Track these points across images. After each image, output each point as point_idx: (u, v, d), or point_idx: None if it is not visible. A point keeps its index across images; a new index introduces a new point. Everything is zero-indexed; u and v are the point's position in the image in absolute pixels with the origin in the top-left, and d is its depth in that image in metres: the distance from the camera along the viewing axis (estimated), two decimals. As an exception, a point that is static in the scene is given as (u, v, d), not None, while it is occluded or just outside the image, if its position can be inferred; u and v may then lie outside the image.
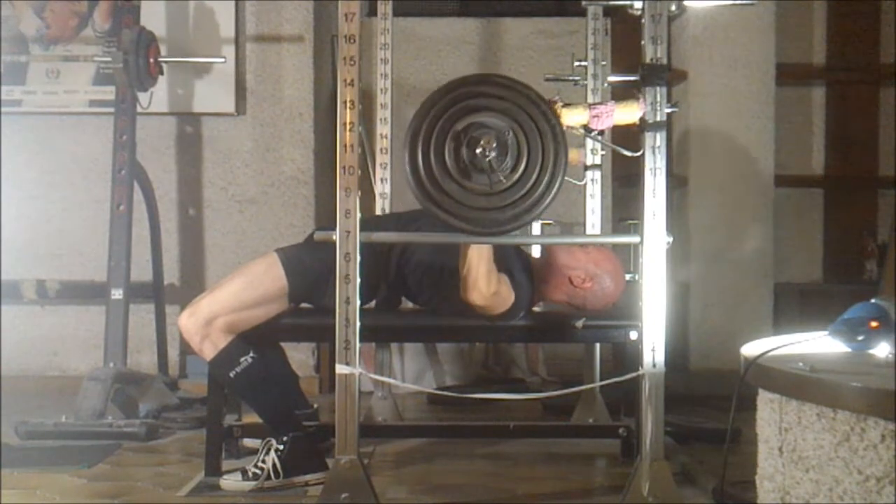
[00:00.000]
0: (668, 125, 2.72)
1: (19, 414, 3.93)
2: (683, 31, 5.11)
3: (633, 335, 2.86)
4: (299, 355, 4.66)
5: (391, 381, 3.97)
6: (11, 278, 4.74)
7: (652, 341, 2.65)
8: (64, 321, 4.94)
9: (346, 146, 2.63)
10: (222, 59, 4.77)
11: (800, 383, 1.93)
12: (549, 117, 2.54)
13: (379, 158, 4.12)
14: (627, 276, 3.34)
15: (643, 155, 2.64)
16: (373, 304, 3.22)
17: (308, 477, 3.05)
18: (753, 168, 5.08)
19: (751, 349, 2.21)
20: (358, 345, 2.63)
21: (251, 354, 3.07)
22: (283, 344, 3.43)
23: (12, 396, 4.38)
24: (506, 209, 2.56)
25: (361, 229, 2.64)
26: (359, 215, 2.64)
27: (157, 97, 4.52)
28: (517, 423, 3.67)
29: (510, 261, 3.11)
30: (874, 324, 2.15)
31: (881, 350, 2.14)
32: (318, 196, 5.02)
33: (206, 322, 3.04)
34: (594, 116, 2.68)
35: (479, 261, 2.89)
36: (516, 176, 2.54)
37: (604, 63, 4.06)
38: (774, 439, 2.04)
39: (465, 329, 3.28)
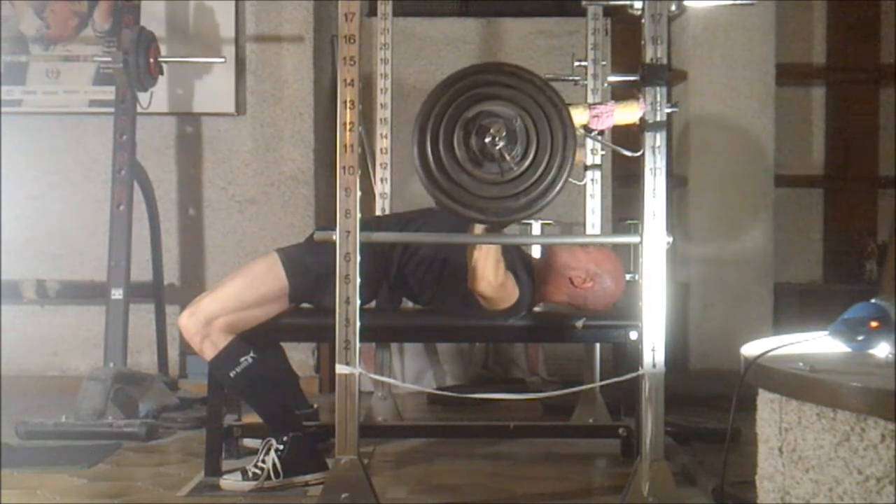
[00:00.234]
0: (668, 125, 2.72)
1: (19, 414, 3.93)
2: (683, 31, 5.11)
3: (633, 335, 2.86)
4: (299, 355, 4.66)
5: (391, 381, 3.97)
6: (11, 278, 4.74)
7: (652, 341, 2.65)
8: (64, 321, 4.94)
9: (346, 146, 2.63)
10: (222, 59, 4.77)
11: (800, 383, 1.93)
12: (555, 102, 2.54)
13: (379, 158, 4.12)
14: (627, 276, 3.34)
15: (643, 155, 2.64)
16: (373, 304, 3.22)
17: (308, 477, 3.05)
18: (753, 168, 5.09)
19: (751, 349, 2.21)
20: (358, 345, 2.63)
21: (251, 354, 3.07)
22: (283, 344, 3.43)
23: (12, 396, 4.38)
24: (519, 196, 2.55)
25: (361, 229, 2.64)
26: (359, 215, 2.63)
27: (157, 97, 4.52)
28: (517, 423, 3.67)
29: (513, 260, 3.11)
30: (874, 324, 2.15)
31: (881, 350, 2.14)
32: (318, 196, 5.02)
33: (207, 322, 3.04)
34: (594, 116, 2.68)
35: (487, 250, 2.88)
36: (527, 163, 2.53)
37: (604, 63, 4.06)
38: (774, 439, 2.04)
39: (465, 329, 3.28)
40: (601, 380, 3.74)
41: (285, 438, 3.04)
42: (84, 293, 4.79)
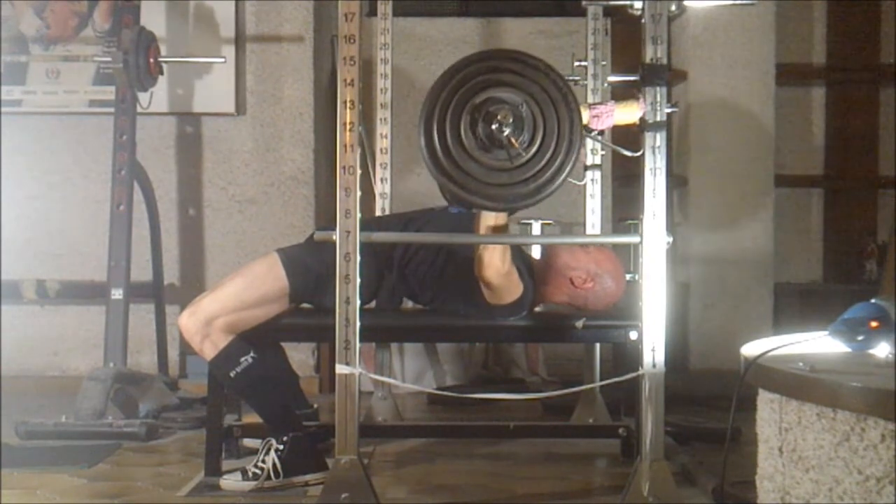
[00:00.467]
0: (668, 125, 2.72)
1: (19, 414, 3.93)
2: (683, 31, 5.11)
3: (633, 335, 2.86)
4: (299, 355, 4.66)
5: (391, 381, 3.97)
6: (11, 278, 4.74)
7: (652, 341, 2.65)
8: (64, 321, 4.94)
9: (346, 146, 2.63)
10: (222, 59, 4.77)
11: (800, 383, 1.93)
12: (559, 86, 2.53)
13: (379, 158, 4.12)
14: (627, 276, 3.34)
15: (643, 155, 2.64)
16: (373, 304, 3.22)
17: (308, 477, 3.05)
18: (753, 168, 5.09)
19: (751, 349, 2.21)
20: (358, 345, 2.63)
21: (251, 354, 3.07)
22: (283, 344, 3.43)
23: (12, 396, 4.38)
24: (528, 182, 2.54)
25: (361, 229, 2.64)
26: (359, 215, 2.63)
27: (157, 97, 4.52)
28: (517, 423, 3.67)
29: (515, 259, 3.11)
30: (874, 324, 2.15)
31: (881, 350, 2.14)
32: (318, 196, 5.02)
33: (207, 322, 3.04)
34: (594, 116, 2.68)
35: (496, 222, 2.84)
36: (535, 148, 2.53)
37: (604, 63, 4.06)
38: (774, 439, 2.04)
39: (465, 329, 3.28)
40: (601, 380, 3.74)
41: (285, 438, 3.04)
42: (84, 293, 4.79)
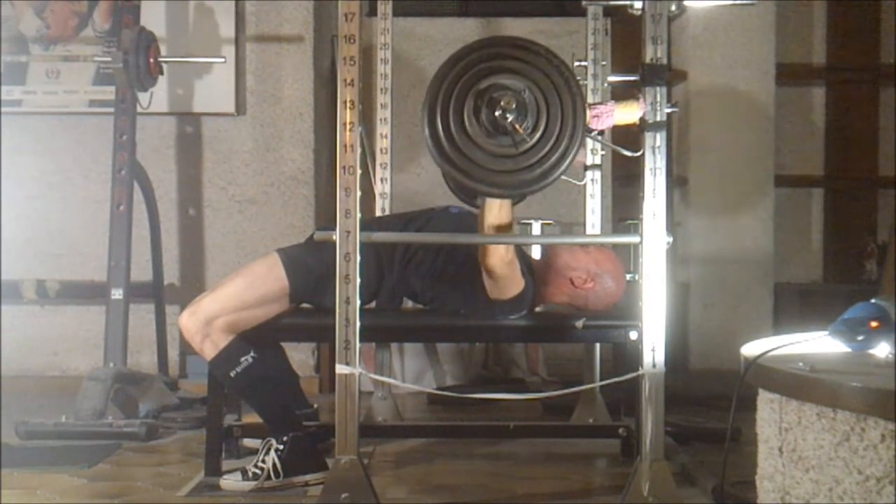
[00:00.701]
0: (668, 125, 2.72)
1: (19, 414, 3.93)
2: (683, 31, 5.11)
3: (633, 335, 2.86)
4: (299, 355, 4.66)
5: (391, 381, 3.97)
6: (11, 278, 4.74)
7: (652, 341, 2.65)
8: (64, 321, 4.94)
9: (346, 146, 2.63)
10: (222, 59, 4.77)
11: (800, 383, 1.93)
12: (562, 71, 2.53)
13: (379, 158, 4.12)
14: (627, 276, 3.34)
15: (643, 155, 2.64)
16: (373, 304, 3.22)
17: (308, 477, 3.05)
18: (753, 168, 5.09)
19: (751, 349, 2.21)
20: (358, 345, 2.63)
21: (251, 354, 3.07)
22: (283, 344, 3.43)
23: (12, 396, 4.38)
24: (533, 168, 2.53)
25: (362, 229, 2.64)
26: (359, 215, 2.63)
27: (157, 97, 4.52)
28: (517, 423, 3.67)
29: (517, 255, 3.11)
30: (874, 324, 2.15)
31: (881, 350, 2.14)
32: (318, 196, 5.02)
33: (207, 322, 3.04)
34: (594, 116, 2.68)
35: (499, 222, 2.85)
36: (539, 133, 2.52)
37: (604, 63, 4.06)
38: (774, 439, 2.04)
39: (465, 329, 3.28)
40: (601, 380, 3.74)
41: (285, 438, 3.04)
42: (84, 293, 4.80)
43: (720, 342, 4.84)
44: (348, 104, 2.63)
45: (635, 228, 2.71)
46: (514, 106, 2.48)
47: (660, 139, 2.64)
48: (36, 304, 4.88)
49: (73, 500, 2.93)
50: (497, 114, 2.49)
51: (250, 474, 3.02)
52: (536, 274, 3.18)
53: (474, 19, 5.46)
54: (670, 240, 2.67)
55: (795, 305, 5.29)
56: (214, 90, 4.94)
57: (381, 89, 4.10)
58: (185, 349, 4.72)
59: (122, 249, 4.21)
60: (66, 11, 4.96)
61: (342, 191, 2.63)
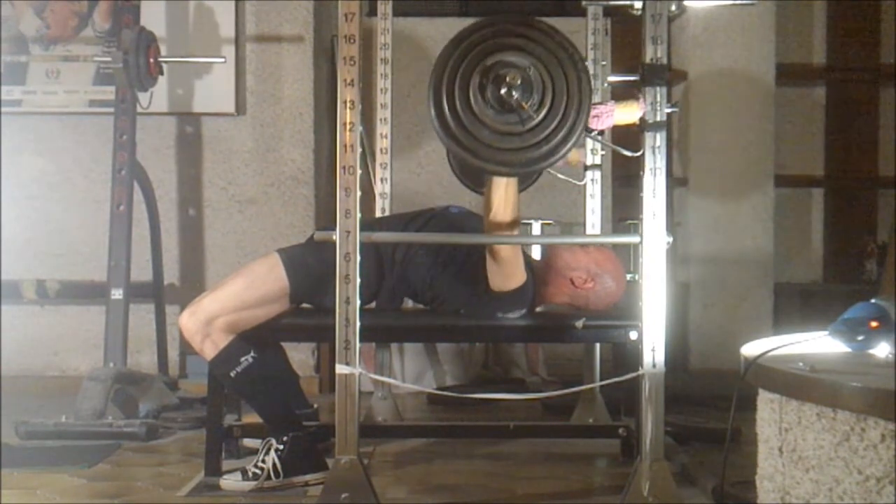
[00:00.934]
0: (668, 125, 2.72)
1: (19, 414, 3.92)
2: (683, 31, 5.11)
3: (633, 335, 2.86)
4: (299, 355, 4.66)
5: (391, 381, 3.97)
6: (11, 278, 4.74)
7: (652, 341, 2.65)
8: (64, 321, 4.94)
9: (346, 146, 2.63)
10: (222, 59, 4.76)
11: (800, 383, 1.93)
12: (565, 47, 2.53)
13: (379, 158, 4.12)
14: (628, 276, 3.34)
15: (643, 155, 2.64)
16: (373, 304, 3.22)
17: (308, 477, 3.05)
18: (753, 168, 5.09)
19: (751, 349, 2.21)
20: (358, 345, 2.63)
21: (252, 354, 3.07)
22: (283, 344, 3.43)
23: (12, 396, 4.38)
24: (540, 144, 2.52)
25: (362, 230, 2.64)
26: (359, 215, 2.63)
27: (157, 97, 4.52)
28: (517, 423, 3.68)
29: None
30: (874, 324, 2.15)
31: (881, 350, 2.14)
32: (318, 196, 5.02)
33: (207, 321, 3.04)
34: (594, 116, 2.68)
35: (506, 198, 2.81)
36: (545, 110, 2.51)
37: (604, 63, 4.06)
38: (774, 439, 2.04)
39: (465, 329, 3.28)
40: (601, 380, 3.74)
41: (285, 438, 3.04)
42: (84, 293, 4.79)
43: (720, 342, 4.85)
44: (348, 104, 2.63)
45: (635, 228, 2.71)
46: (519, 82, 2.47)
47: (660, 139, 2.64)
48: (36, 304, 4.88)
49: (73, 500, 2.93)
50: (503, 91, 2.47)
51: (250, 474, 3.03)
52: (536, 274, 3.18)
53: (474, 19, 5.44)
54: (670, 240, 2.67)
55: (795, 305, 5.29)
56: (214, 90, 4.93)
57: (381, 89, 4.10)
58: (185, 349, 4.71)
59: (122, 249, 4.21)
60: (66, 11, 4.95)
61: (342, 191, 2.63)
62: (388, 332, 3.40)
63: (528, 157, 2.53)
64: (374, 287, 3.15)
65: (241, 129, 4.98)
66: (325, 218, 4.90)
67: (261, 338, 3.12)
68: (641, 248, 2.65)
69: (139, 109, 4.36)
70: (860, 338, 2.17)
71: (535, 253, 3.44)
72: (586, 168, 3.96)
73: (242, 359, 3.05)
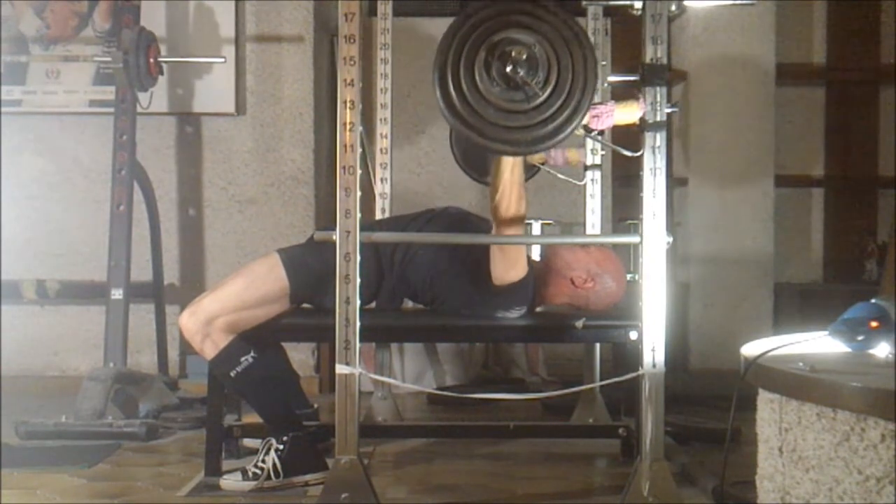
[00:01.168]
0: (668, 125, 2.72)
1: (19, 414, 3.93)
2: (683, 31, 5.11)
3: (633, 335, 2.86)
4: (299, 355, 4.66)
5: (391, 381, 3.97)
6: (11, 278, 4.74)
7: (652, 341, 2.65)
8: (64, 321, 4.94)
9: (346, 146, 2.63)
10: (222, 59, 4.77)
11: (800, 383, 1.93)
12: (570, 25, 2.51)
13: (379, 158, 4.12)
14: (628, 276, 3.34)
15: (643, 155, 2.64)
16: (373, 305, 3.22)
17: (308, 477, 3.05)
18: (753, 168, 5.09)
19: (751, 349, 2.21)
20: (358, 345, 2.63)
21: (252, 354, 3.07)
22: (283, 344, 3.42)
23: (12, 396, 4.38)
24: (546, 123, 2.50)
25: (361, 231, 2.64)
26: (359, 215, 2.63)
27: (157, 97, 4.52)
28: (517, 423, 3.67)
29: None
30: (874, 324, 2.15)
31: (881, 350, 2.14)
32: (318, 196, 5.02)
33: (207, 321, 3.04)
34: (594, 116, 2.68)
35: (511, 182, 2.83)
36: (550, 88, 2.49)
37: (604, 63, 4.06)
38: (774, 439, 2.04)
39: (465, 329, 3.28)
40: (601, 380, 3.74)
41: (285, 438, 3.05)
42: (84, 293, 4.79)
43: (720, 342, 4.84)
44: (348, 104, 2.63)
45: (635, 228, 2.72)
46: (524, 57, 2.46)
47: (660, 139, 2.64)
48: (36, 304, 4.88)
49: (73, 500, 2.93)
50: (508, 68, 2.46)
51: (250, 474, 3.03)
52: (537, 274, 3.18)
53: (474, 19, 5.45)
54: (670, 240, 2.67)
55: (795, 305, 5.29)
56: (214, 90, 4.93)
57: (381, 89, 4.10)
58: (185, 349, 4.71)
59: (122, 249, 4.21)
60: (66, 11, 4.95)
61: (342, 191, 2.63)
62: (388, 332, 3.40)
63: (533, 136, 2.51)
64: (373, 287, 3.15)
65: (241, 129, 4.98)
66: (325, 218, 4.90)
67: (261, 338, 3.13)
68: (641, 248, 2.66)
69: (139, 109, 4.36)
70: (860, 338, 2.17)
71: (535, 253, 3.44)
72: (586, 168, 3.96)
73: (242, 359, 3.06)
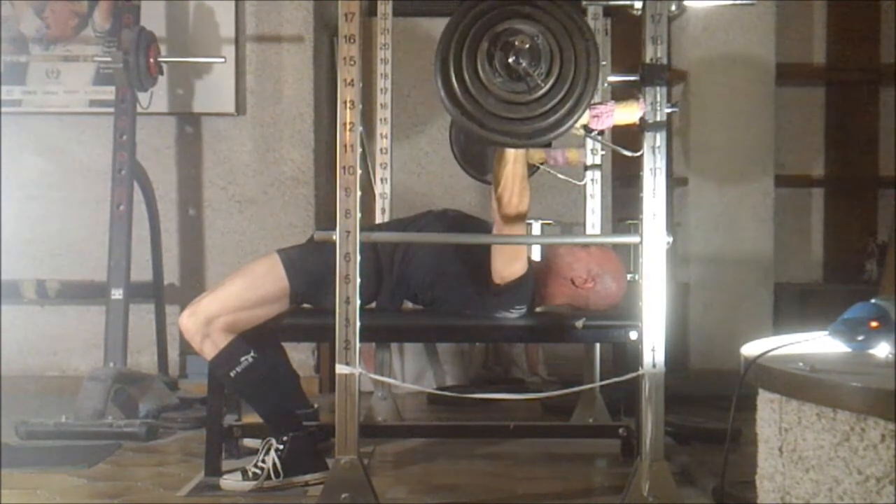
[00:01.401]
0: (668, 125, 2.72)
1: (19, 414, 3.93)
2: (683, 31, 5.11)
3: (633, 335, 2.86)
4: (299, 355, 4.66)
5: (391, 381, 3.97)
6: (11, 278, 4.74)
7: (652, 341, 2.65)
8: (64, 321, 4.94)
9: (346, 146, 2.63)
10: (222, 59, 4.77)
11: (800, 383, 1.93)
12: (574, 17, 2.51)
13: (379, 158, 4.12)
14: (628, 276, 3.34)
15: (643, 155, 2.64)
16: (373, 305, 3.22)
17: (308, 477, 3.05)
18: (753, 168, 5.09)
19: (751, 349, 2.21)
20: (358, 345, 2.63)
21: (252, 354, 3.07)
22: (283, 344, 3.42)
23: (12, 396, 4.38)
24: (548, 115, 2.49)
25: (362, 231, 2.64)
26: (359, 215, 2.63)
27: (157, 97, 4.52)
28: (517, 423, 3.68)
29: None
30: (874, 324, 2.15)
31: (881, 350, 2.14)
32: (318, 196, 5.02)
33: (207, 322, 3.04)
34: (594, 116, 2.68)
35: (514, 173, 2.81)
36: (552, 79, 2.48)
37: (604, 63, 4.06)
38: (774, 439, 2.04)
39: (465, 329, 3.28)
40: (601, 380, 3.74)
41: (285, 438, 3.04)
42: (84, 293, 4.79)
43: (720, 342, 4.84)
44: (348, 104, 2.63)
45: (635, 228, 2.72)
46: (527, 48, 2.45)
47: (660, 139, 2.64)
48: (36, 304, 4.88)
49: (73, 500, 2.93)
50: (510, 59, 2.45)
51: (250, 474, 3.03)
52: (537, 274, 3.18)
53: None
54: (670, 240, 2.67)
55: (795, 305, 5.29)
56: (214, 90, 4.93)
57: (381, 89, 4.10)
58: (185, 349, 4.71)
59: (122, 249, 4.21)
60: (66, 11, 4.95)
61: (342, 191, 2.63)
62: (388, 332, 3.40)
63: (534, 128, 2.50)
64: (373, 289, 3.15)
65: (241, 129, 4.98)
66: (325, 218, 4.90)
67: (261, 338, 3.13)
68: (641, 248, 2.66)
69: (139, 109, 4.36)
70: (860, 338, 2.17)
71: (536, 253, 3.44)
72: (586, 168, 3.96)
73: (242, 359, 3.06)
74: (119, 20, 4.61)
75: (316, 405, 3.56)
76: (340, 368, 2.63)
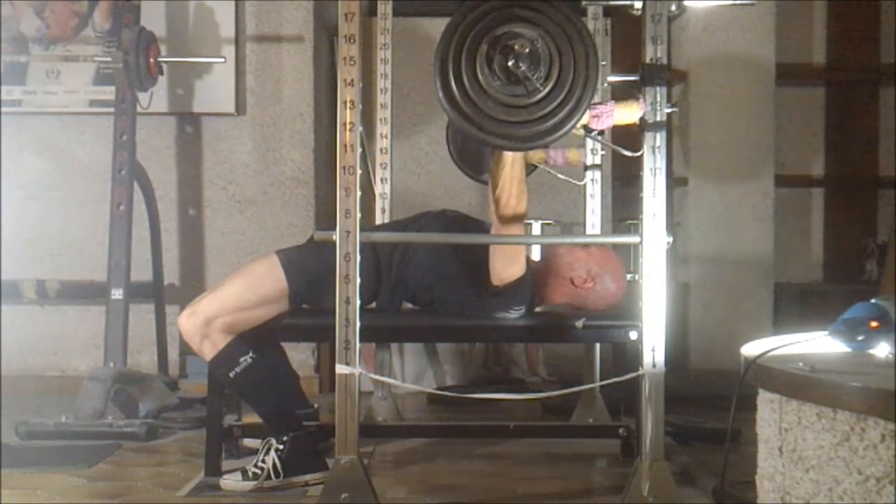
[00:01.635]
0: (668, 125, 2.72)
1: (19, 414, 3.93)
2: (683, 31, 5.11)
3: (633, 335, 2.86)
4: (299, 355, 4.66)
5: (391, 381, 3.97)
6: (11, 278, 4.74)
7: (652, 341, 2.65)
8: (64, 321, 4.94)
9: (346, 146, 2.63)
10: (222, 59, 4.77)
11: (800, 383, 1.93)
12: (573, 20, 2.51)
13: (379, 158, 4.12)
14: (628, 276, 3.34)
15: (643, 155, 2.64)
16: (373, 306, 3.22)
17: (308, 477, 3.05)
18: (753, 168, 5.09)
19: (751, 349, 2.21)
20: (358, 345, 2.63)
21: (251, 354, 3.07)
22: (283, 344, 3.42)
23: (12, 396, 4.38)
24: (547, 118, 2.49)
25: (361, 232, 2.64)
26: (359, 215, 2.63)
27: (157, 97, 4.52)
28: (517, 423, 3.68)
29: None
30: (874, 324, 2.15)
31: (881, 350, 2.14)
32: (318, 196, 5.02)
33: (206, 322, 3.04)
34: (594, 116, 2.68)
35: (512, 173, 2.81)
36: (551, 83, 2.48)
37: (604, 63, 4.06)
38: (774, 439, 2.04)
39: (465, 329, 3.28)
40: (601, 380, 3.74)
41: (285, 438, 3.04)
42: (84, 293, 4.79)
43: (720, 342, 4.84)
44: (348, 104, 2.63)
45: (635, 228, 2.72)
46: (527, 51, 2.45)
47: (660, 139, 2.64)
48: (36, 304, 4.88)
49: (73, 500, 2.93)
50: (510, 63, 2.45)
51: (250, 474, 3.03)
52: (536, 274, 3.18)
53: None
54: (670, 240, 2.67)
55: (795, 305, 5.29)
56: (214, 90, 4.93)
57: (381, 89, 4.10)
58: (185, 349, 4.71)
59: (122, 249, 4.21)
60: (66, 11, 4.95)
61: (342, 191, 2.63)
62: (388, 332, 3.40)
63: (533, 131, 2.50)
64: (372, 290, 3.15)
65: (241, 129, 4.98)
66: (325, 218, 4.90)
67: (260, 338, 3.13)
68: (641, 248, 2.66)
69: (139, 109, 4.36)
70: (860, 338, 2.17)
71: (535, 253, 3.44)
72: (586, 168, 3.96)
73: (241, 359, 3.06)
74: (119, 20, 4.61)
75: (316, 405, 3.56)
76: (340, 368, 2.63)
